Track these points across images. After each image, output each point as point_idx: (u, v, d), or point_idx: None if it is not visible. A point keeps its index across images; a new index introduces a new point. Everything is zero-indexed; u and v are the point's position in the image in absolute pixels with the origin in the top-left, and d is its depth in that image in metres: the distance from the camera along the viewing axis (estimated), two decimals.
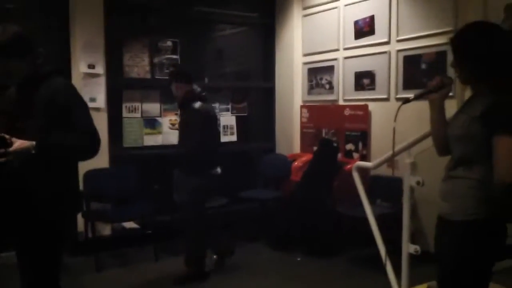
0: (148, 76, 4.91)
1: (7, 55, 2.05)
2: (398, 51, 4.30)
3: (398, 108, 1.97)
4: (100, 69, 4.37)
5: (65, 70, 2.40)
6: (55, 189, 2.10)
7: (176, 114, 5.02)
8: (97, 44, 4.36)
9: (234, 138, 5.47)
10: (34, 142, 1.97)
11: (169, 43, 4.99)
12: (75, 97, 2.17)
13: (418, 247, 2.70)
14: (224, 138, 5.36)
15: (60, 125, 2.05)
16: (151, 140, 4.93)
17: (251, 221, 5.01)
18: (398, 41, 4.30)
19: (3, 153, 1.90)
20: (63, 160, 2.14)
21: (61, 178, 2.14)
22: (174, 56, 5.02)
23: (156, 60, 4.94)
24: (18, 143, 1.94)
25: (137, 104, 4.84)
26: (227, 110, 5.47)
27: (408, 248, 2.75)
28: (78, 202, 2.46)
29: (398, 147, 2.82)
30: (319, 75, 5.19)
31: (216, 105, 5.33)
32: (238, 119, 5.53)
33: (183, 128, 3.93)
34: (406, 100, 2.01)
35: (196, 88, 3.81)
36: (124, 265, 4.19)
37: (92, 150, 2.17)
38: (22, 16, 4.09)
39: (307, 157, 4.87)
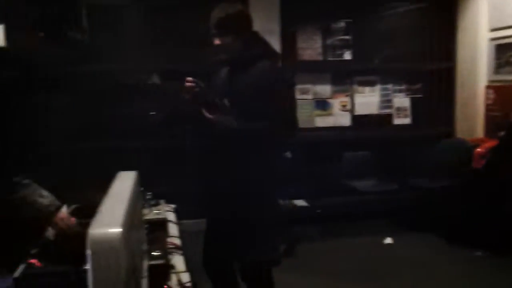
0: (320, 58, 4.96)
1: (226, 30, 2.24)
2: None
3: None
4: None
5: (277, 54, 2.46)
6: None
7: (347, 95, 5.01)
8: (273, 29, 4.54)
9: (407, 121, 5.21)
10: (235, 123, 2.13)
11: (342, 24, 4.95)
12: (276, 82, 2.20)
13: None
14: (397, 121, 5.16)
15: (259, 110, 2.12)
16: (322, 121, 4.99)
17: (422, 210, 4.75)
18: None
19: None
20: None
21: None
22: (347, 37, 4.97)
23: (328, 41, 4.96)
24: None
25: (309, 86, 4.94)
26: (400, 91, 5.23)
27: None
28: None
29: None
30: (509, 52, 4.61)
31: (389, 86, 5.15)
32: (413, 101, 5.25)
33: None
34: None
35: None
36: (293, 241, 4.35)
37: (283, 135, 2.22)
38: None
39: (492, 143, 4.40)
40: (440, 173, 4.84)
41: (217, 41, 2.24)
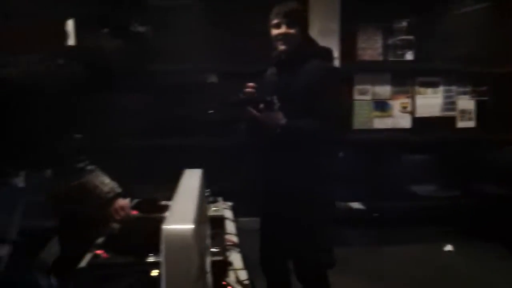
0: (380, 58, 4.85)
1: (295, 20, 2.27)
2: None
3: None
4: (335, 53, 4.48)
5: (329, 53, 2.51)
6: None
7: (408, 96, 4.87)
8: (333, 28, 4.49)
9: (472, 124, 5.00)
10: (284, 121, 2.13)
11: (404, 23, 4.82)
12: (329, 81, 2.22)
13: None
14: (460, 124, 4.97)
15: (310, 109, 2.13)
16: (380, 123, 4.89)
17: (487, 218, 4.53)
18: None
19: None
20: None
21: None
22: (409, 37, 4.83)
23: (389, 41, 4.84)
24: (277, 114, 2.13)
25: (368, 87, 4.84)
26: (465, 93, 5.01)
27: None
28: None
29: None
30: None
31: (453, 87, 4.95)
32: (478, 104, 5.02)
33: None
34: None
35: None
36: (349, 245, 4.29)
37: (329, 135, 2.21)
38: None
39: None
40: (506, 180, 4.60)
41: (282, 30, 2.28)
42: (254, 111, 2.14)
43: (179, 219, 0.81)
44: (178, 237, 0.76)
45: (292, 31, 2.26)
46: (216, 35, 4.67)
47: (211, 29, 4.63)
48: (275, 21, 2.30)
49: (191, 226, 0.78)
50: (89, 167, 1.86)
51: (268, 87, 2.34)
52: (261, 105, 2.13)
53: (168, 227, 0.78)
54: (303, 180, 2.23)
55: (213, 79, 4.68)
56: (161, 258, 0.78)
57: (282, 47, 2.30)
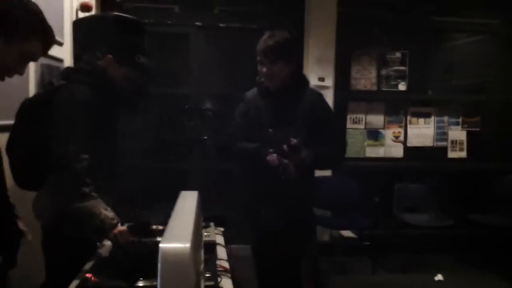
0: (374, 88, 4.91)
1: (272, 59, 2.21)
2: None
3: None
4: (329, 81, 4.51)
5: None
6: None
7: (401, 126, 4.92)
8: (329, 57, 4.53)
9: (463, 154, 5.04)
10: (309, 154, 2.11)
11: (398, 54, 4.91)
12: (330, 109, 2.29)
13: None
14: (451, 154, 5.01)
15: (318, 136, 2.13)
16: (373, 152, 4.91)
17: (482, 248, 4.52)
18: None
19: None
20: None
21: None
22: (402, 68, 4.91)
23: (383, 72, 4.91)
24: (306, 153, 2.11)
25: (361, 116, 4.88)
26: (457, 124, 5.07)
27: None
28: None
29: None
30: None
31: (445, 118, 5.01)
32: (469, 135, 5.07)
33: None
34: None
35: None
36: (340, 273, 4.25)
37: (340, 160, 2.25)
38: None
39: None
40: (499, 209, 4.61)
41: (264, 68, 2.24)
42: (281, 159, 2.11)
43: (176, 238, 0.80)
44: (175, 255, 0.75)
45: (274, 68, 2.20)
46: (214, 61, 4.73)
47: (209, 55, 4.69)
48: (258, 58, 2.26)
49: (188, 244, 0.77)
50: (93, 193, 1.84)
51: (259, 111, 2.30)
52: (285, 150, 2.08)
53: (165, 245, 0.77)
54: (302, 206, 2.23)
55: (208, 105, 4.71)
56: (154, 282, 0.76)
57: (267, 84, 2.27)
